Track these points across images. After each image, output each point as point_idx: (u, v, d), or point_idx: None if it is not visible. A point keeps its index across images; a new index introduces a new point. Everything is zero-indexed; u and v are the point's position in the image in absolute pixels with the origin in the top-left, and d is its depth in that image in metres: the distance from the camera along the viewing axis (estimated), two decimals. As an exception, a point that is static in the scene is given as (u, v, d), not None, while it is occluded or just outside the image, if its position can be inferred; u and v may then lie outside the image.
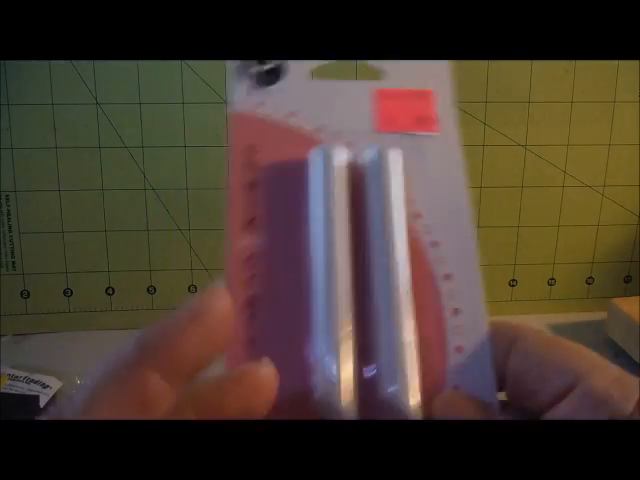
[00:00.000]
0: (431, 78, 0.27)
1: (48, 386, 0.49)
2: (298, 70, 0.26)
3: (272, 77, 0.25)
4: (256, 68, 0.25)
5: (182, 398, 0.18)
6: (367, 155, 0.25)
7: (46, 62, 0.56)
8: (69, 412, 0.17)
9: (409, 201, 0.25)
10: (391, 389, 0.21)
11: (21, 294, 0.61)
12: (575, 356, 0.20)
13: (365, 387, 0.21)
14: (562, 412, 0.19)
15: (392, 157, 0.25)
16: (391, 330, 0.22)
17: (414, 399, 0.21)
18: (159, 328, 0.18)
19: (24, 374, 0.50)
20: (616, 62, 0.60)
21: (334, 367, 0.21)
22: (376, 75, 0.27)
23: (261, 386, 0.19)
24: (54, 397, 0.48)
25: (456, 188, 0.26)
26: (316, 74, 0.27)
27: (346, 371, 0.21)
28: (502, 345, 0.21)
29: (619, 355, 0.57)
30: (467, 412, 0.20)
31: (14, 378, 0.50)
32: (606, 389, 0.18)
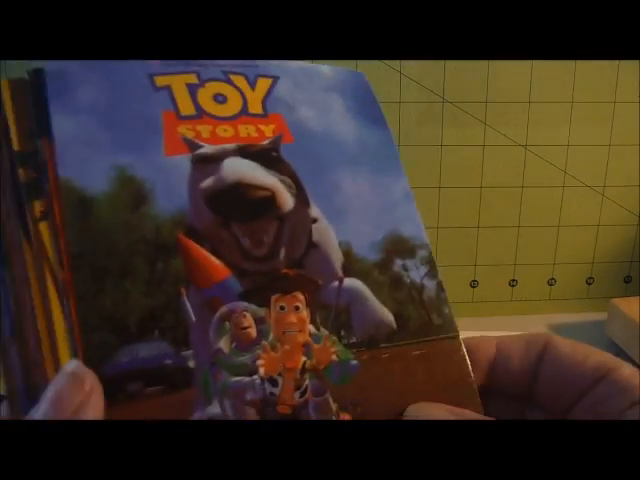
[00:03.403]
0: None
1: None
2: None
3: None
4: None
5: None
6: None
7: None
8: None
9: None
10: None
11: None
12: (600, 354, 0.23)
13: None
14: (592, 400, 0.21)
15: None
16: None
17: None
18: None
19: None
20: (616, 62, 0.60)
21: None
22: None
23: None
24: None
25: None
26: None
27: None
28: (534, 349, 0.23)
29: (619, 355, 0.57)
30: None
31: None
32: (632, 376, 0.21)
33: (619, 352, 0.57)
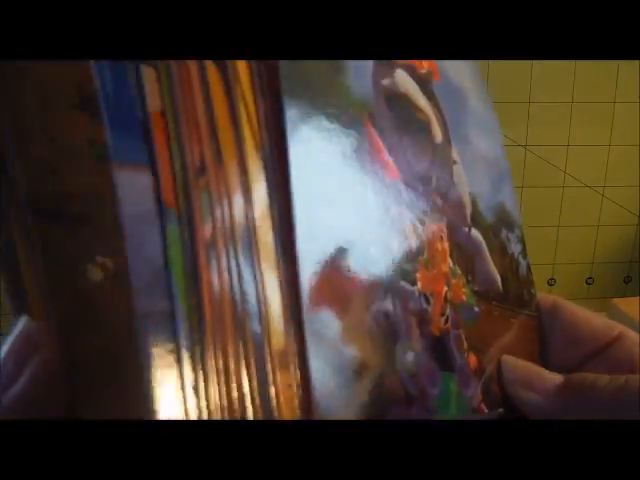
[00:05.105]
0: None
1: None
2: None
3: None
4: None
5: None
6: None
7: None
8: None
9: None
10: None
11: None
12: (604, 317, 0.23)
13: None
14: (606, 359, 0.21)
15: None
16: None
17: None
18: None
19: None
20: (616, 62, 0.60)
21: None
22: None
23: None
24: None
25: None
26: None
27: None
28: (543, 307, 0.24)
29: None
30: None
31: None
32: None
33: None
